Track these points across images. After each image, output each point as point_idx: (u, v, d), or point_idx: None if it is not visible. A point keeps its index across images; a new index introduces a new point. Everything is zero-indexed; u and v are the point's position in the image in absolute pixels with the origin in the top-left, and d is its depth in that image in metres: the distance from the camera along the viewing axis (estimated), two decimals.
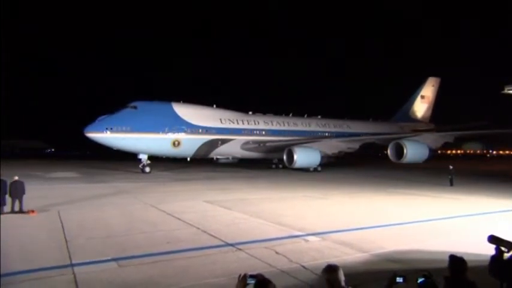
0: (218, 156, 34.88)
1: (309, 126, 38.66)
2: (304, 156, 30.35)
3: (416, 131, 39.31)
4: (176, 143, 30.52)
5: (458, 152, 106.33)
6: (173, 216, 12.12)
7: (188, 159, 34.11)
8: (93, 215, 12.31)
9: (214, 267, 6.99)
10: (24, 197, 12.68)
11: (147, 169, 30.19)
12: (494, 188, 21.81)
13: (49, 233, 9.77)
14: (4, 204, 12.27)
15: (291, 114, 39.46)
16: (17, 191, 12.47)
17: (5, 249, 8.24)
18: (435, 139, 32.15)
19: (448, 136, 33.99)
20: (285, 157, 30.96)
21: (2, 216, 11.88)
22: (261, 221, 11.49)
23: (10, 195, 12.37)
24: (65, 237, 9.19)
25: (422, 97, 49.80)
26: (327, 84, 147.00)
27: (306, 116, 40.64)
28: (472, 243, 8.29)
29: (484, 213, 13.47)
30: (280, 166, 36.71)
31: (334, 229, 10.39)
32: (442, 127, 45.85)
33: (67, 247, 8.30)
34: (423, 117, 49.78)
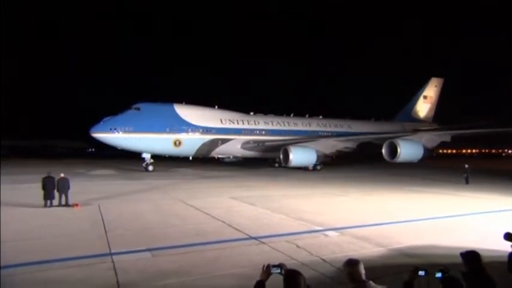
0: (219, 156, 34.06)
1: (309, 126, 37.21)
2: (300, 155, 29.30)
3: (417, 131, 37.11)
4: (177, 143, 30.10)
5: (474, 151, 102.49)
6: (201, 211, 12.26)
7: (190, 158, 33.50)
8: (129, 209, 12.63)
9: (240, 259, 7.02)
10: (69, 192, 13.21)
11: (150, 167, 29.65)
12: (510, 186, 20.78)
13: (91, 225, 10.10)
14: (53, 198, 12.86)
15: (292, 115, 38.25)
16: (64, 186, 13.03)
17: (53, 238, 8.65)
18: (430, 138, 30.58)
19: (445, 135, 32.19)
20: (281, 156, 30.01)
21: (51, 208, 12.50)
22: (282, 216, 11.45)
23: (57, 191, 12.94)
24: (104, 229, 9.49)
25: (425, 97, 47.58)
26: (328, 84, 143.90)
27: (307, 116, 39.39)
28: (490, 240, 7.94)
29: (500, 211, 12.86)
30: (283, 165, 35.45)
31: (353, 224, 10.22)
32: (443, 127, 43.48)
33: (106, 237, 8.56)
34: (426, 117, 47.52)
